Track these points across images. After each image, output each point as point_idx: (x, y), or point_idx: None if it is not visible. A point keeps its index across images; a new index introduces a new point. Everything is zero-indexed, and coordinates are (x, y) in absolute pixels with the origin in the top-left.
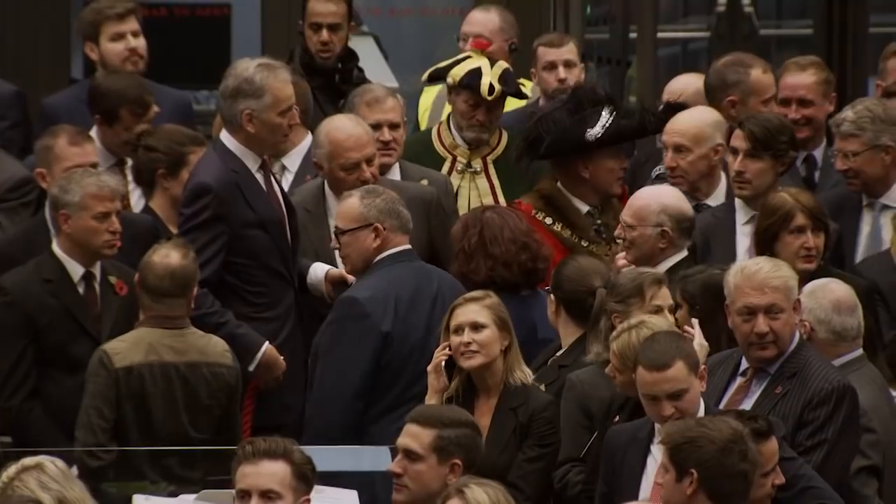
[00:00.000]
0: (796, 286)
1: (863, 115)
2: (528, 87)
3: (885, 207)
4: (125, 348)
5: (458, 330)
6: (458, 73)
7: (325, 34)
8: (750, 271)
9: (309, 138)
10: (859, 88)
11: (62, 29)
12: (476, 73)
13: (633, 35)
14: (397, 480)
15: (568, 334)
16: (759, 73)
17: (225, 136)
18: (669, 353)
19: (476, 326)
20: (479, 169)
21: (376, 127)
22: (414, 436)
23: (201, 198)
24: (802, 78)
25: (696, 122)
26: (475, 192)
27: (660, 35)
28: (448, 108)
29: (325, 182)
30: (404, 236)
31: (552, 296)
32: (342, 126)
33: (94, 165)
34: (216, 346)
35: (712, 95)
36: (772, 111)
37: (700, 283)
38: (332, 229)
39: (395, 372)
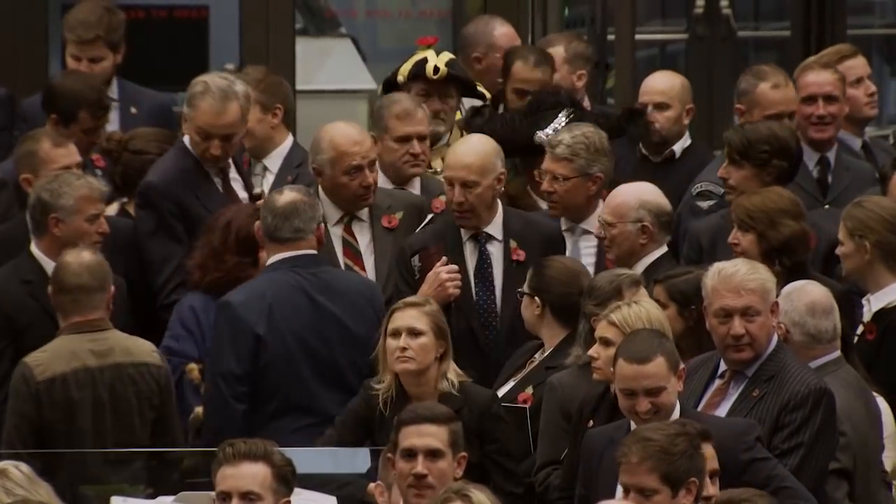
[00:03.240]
0: (774, 288)
1: (579, 141)
2: None
3: (585, 232)
4: (47, 359)
5: (396, 334)
6: (405, 69)
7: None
8: (727, 273)
9: (289, 139)
10: None
11: (39, 32)
12: (421, 62)
13: (611, 37)
14: (420, 482)
15: (553, 336)
16: (765, 88)
17: (187, 137)
18: (651, 349)
19: (413, 332)
20: (439, 169)
21: (405, 139)
22: (434, 435)
23: (147, 195)
24: (826, 75)
25: (479, 156)
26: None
27: (638, 37)
28: None
29: (320, 188)
30: (282, 245)
31: (536, 298)
32: (346, 132)
33: (78, 165)
34: (143, 346)
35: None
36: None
37: (693, 283)
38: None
39: (278, 374)
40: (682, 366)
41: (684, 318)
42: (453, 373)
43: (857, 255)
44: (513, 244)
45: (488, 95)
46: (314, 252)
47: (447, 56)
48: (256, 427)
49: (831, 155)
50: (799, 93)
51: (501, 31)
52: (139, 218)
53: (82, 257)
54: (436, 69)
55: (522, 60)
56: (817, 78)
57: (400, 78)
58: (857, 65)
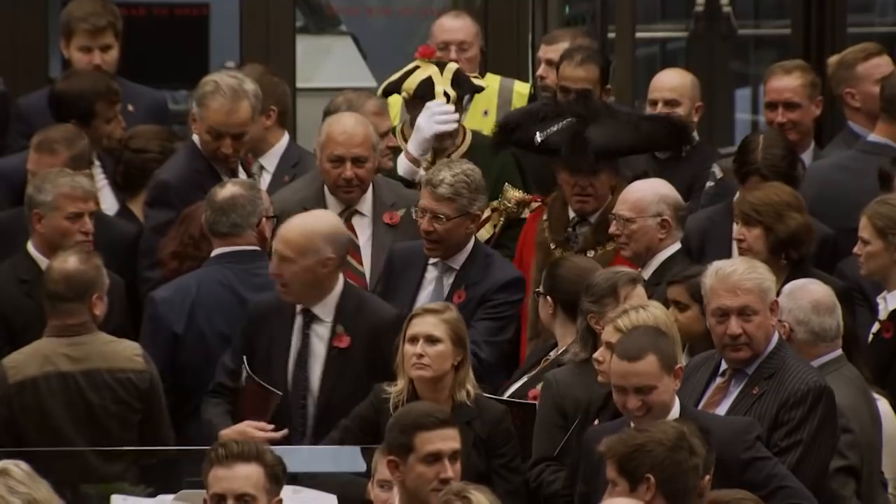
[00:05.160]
0: (773, 287)
1: (461, 180)
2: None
3: (450, 269)
4: (21, 361)
5: (413, 340)
6: (410, 85)
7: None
8: (724, 273)
9: (286, 138)
10: None
11: (39, 29)
12: (428, 84)
13: (611, 35)
14: (446, 486)
15: (566, 334)
16: None
17: (196, 137)
18: (643, 347)
19: (431, 339)
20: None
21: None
22: (455, 438)
23: (162, 194)
24: (788, 81)
25: (302, 235)
26: None
27: (638, 35)
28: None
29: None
30: (220, 239)
31: (548, 297)
32: (342, 120)
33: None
34: (124, 352)
35: (890, 105)
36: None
37: None
38: None
39: (197, 373)
40: (678, 364)
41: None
42: (470, 383)
43: (885, 254)
44: (339, 329)
45: (485, 85)
46: (253, 247)
47: (451, 72)
48: (183, 420)
49: (806, 156)
50: (764, 97)
51: (444, 25)
52: (148, 215)
53: (65, 265)
54: (446, 97)
55: (568, 59)
56: (778, 84)
57: (404, 94)
58: (883, 63)
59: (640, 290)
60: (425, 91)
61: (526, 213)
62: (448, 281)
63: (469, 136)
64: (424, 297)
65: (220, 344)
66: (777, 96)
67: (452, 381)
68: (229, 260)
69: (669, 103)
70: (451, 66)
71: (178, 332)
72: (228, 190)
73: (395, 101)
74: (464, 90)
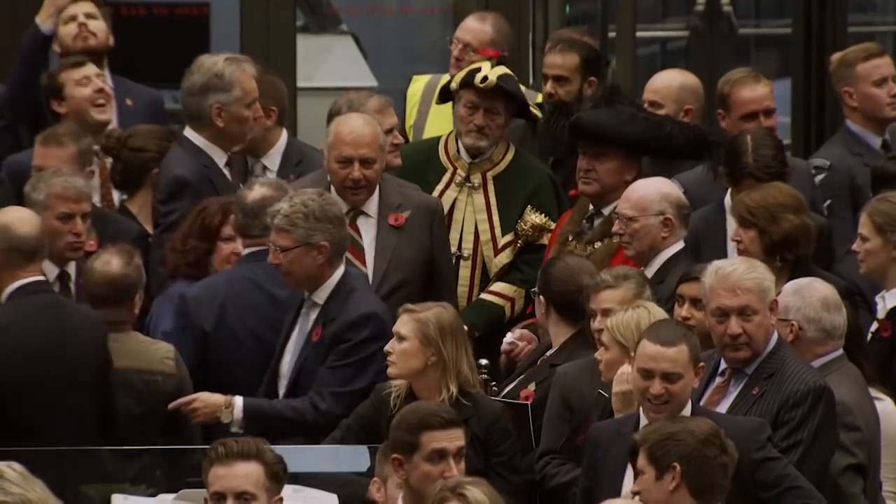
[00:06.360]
0: (772, 287)
1: (297, 210)
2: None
3: (315, 305)
4: None
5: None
6: (459, 76)
7: (549, 86)
8: (724, 272)
9: (285, 136)
10: None
11: None
12: (474, 70)
13: (612, 34)
14: None
15: (559, 334)
16: None
17: (190, 133)
18: (678, 335)
19: (398, 337)
20: (476, 184)
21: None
22: (460, 437)
23: (179, 190)
24: (760, 89)
25: None
26: (471, 206)
27: (639, 34)
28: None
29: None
30: (252, 241)
31: (541, 297)
32: (350, 121)
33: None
34: (156, 353)
35: None
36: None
37: None
38: None
39: (228, 371)
40: (701, 363)
41: None
42: (468, 381)
43: (884, 252)
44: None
45: (539, 116)
46: None
47: (503, 70)
48: None
49: None
50: (735, 109)
51: (465, 24)
52: (163, 211)
53: (108, 268)
54: (484, 79)
55: (551, 47)
56: (754, 94)
57: (453, 85)
58: (883, 64)
59: (605, 295)
60: (469, 78)
61: (544, 239)
62: (312, 316)
63: (512, 153)
64: (295, 334)
65: (252, 341)
66: (758, 106)
67: (437, 379)
68: (257, 259)
69: (652, 105)
70: (504, 68)
71: (207, 330)
72: (258, 192)
73: (413, 94)
74: (507, 85)
